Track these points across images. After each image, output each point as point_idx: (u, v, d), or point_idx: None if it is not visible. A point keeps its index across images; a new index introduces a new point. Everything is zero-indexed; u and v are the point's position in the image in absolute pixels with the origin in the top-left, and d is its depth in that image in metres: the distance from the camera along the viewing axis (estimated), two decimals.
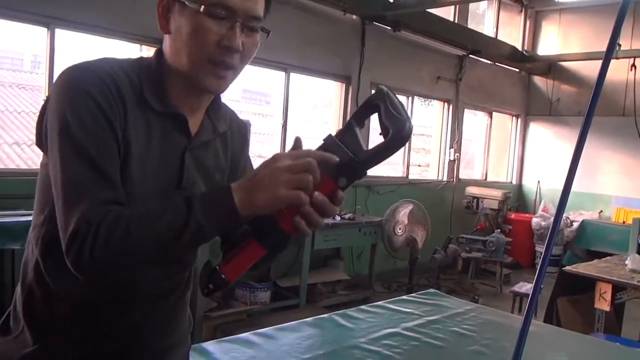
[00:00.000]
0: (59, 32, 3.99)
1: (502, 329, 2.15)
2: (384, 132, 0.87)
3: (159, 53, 1.05)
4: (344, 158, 0.86)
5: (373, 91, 0.91)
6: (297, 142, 0.93)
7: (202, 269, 0.93)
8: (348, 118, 0.91)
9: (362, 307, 2.36)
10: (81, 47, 4.56)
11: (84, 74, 0.94)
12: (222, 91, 1.04)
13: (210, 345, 1.79)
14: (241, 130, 1.22)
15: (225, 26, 0.96)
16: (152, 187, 0.99)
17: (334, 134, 0.89)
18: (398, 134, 0.86)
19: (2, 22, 3.98)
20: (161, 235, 0.86)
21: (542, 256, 1.04)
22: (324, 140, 0.89)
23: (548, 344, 2.09)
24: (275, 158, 0.86)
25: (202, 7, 0.94)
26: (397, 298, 2.52)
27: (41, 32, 3.95)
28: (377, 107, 0.88)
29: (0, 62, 8.27)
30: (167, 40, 1.02)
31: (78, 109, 0.91)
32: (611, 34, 1.03)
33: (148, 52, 4.53)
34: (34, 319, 1.02)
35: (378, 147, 0.87)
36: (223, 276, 0.90)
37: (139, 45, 4.50)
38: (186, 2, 0.96)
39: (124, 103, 0.95)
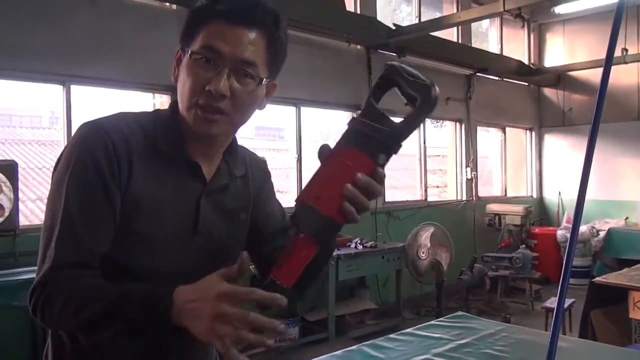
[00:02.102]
0: (74, 88, 4.13)
1: (534, 347, 2.10)
2: (411, 101, 0.85)
3: (175, 104, 1.09)
4: (378, 135, 0.84)
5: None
6: (243, 264, 0.87)
7: (252, 286, 0.86)
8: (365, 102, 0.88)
9: (391, 335, 2.33)
10: (96, 100, 4.69)
11: (92, 134, 1.00)
12: (213, 134, 1.04)
13: None
14: (260, 167, 1.26)
15: (213, 69, 0.99)
16: (167, 234, 1.03)
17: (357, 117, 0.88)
18: (427, 99, 0.84)
19: (20, 84, 4.14)
20: (87, 322, 0.91)
21: (562, 270, 1.04)
22: (348, 125, 0.87)
23: None
24: (216, 292, 0.82)
25: (194, 55, 0.99)
26: (426, 324, 2.49)
27: (57, 89, 4.09)
28: (394, 82, 0.86)
29: (20, 120, 8.53)
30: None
31: (77, 171, 0.98)
32: (609, 42, 1.04)
33: (161, 99, 4.64)
34: None
35: (409, 117, 0.85)
36: (278, 282, 0.84)
37: (151, 93, 4.62)
38: (185, 54, 1.01)
39: (131, 158, 1.00)
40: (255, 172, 1.23)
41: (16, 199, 3.61)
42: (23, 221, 3.97)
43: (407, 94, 0.85)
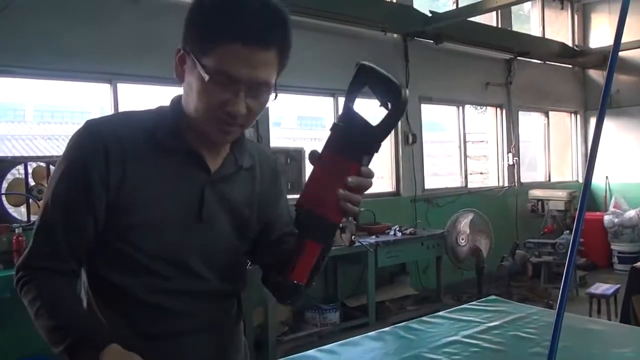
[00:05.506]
0: (121, 86, 4.34)
1: (564, 330, 2.13)
2: (383, 103, 0.96)
3: (177, 99, 1.14)
4: (361, 140, 0.96)
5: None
6: None
7: (273, 287, 1.12)
8: (345, 104, 0.99)
9: (424, 318, 2.41)
10: (141, 96, 4.90)
11: (87, 139, 1.07)
12: (228, 142, 1.13)
13: None
14: (271, 165, 1.28)
15: (230, 91, 1.01)
16: (171, 221, 1.09)
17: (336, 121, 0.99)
18: (397, 104, 0.95)
19: (71, 83, 4.39)
20: (40, 330, 1.04)
21: (569, 251, 1.09)
22: (331, 130, 0.97)
23: (613, 342, 2.06)
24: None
25: (208, 76, 0.99)
26: (458, 307, 2.55)
27: (105, 87, 4.31)
28: (365, 82, 0.96)
29: (72, 118, 8.92)
30: (182, 89, 1.11)
31: (67, 175, 1.06)
32: (617, 26, 1.07)
33: None
34: None
35: (385, 121, 0.96)
36: (295, 281, 0.98)
37: None
38: (196, 65, 1.01)
39: (124, 158, 1.06)
40: (265, 169, 1.25)
41: None
42: None
43: (379, 96, 0.96)
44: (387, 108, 0.96)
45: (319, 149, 0.97)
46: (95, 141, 1.05)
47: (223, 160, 1.16)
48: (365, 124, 0.96)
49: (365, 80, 0.96)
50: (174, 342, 1.12)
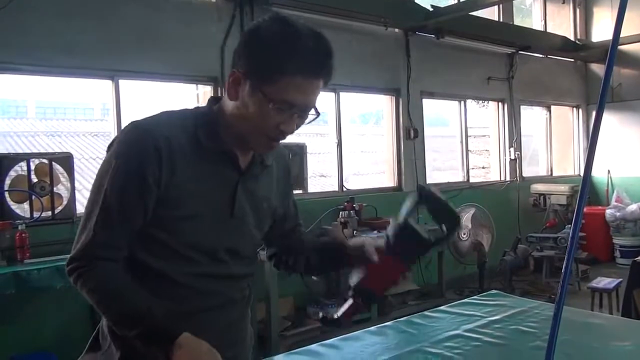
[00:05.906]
0: (122, 82, 4.34)
1: (564, 324, 2.13)
2: (438, 222, 1.29)
3: (214, 101, 1.24)
4: (418, 252, 1.31)
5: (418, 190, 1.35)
6: None
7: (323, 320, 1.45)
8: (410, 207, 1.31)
9: (426, 312, 2.41)
10: (143, 92, 4.91)
11: (139, 139, 1.14)
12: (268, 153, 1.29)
13: (279, 358, 1.92)
14: (285, 163, 1.41)
15: (285, 114, 1.14)
16: (209, 215, 1.21)
17: (395, 222, 1.31)
18: (454, 230, 1.32)
19: (72, 80, 4.40)
20: (107, 317, 1.16)
21: (568, 242, 1.10)
22: (395, 238, 1.28)
23: (614, 335, 2.06)
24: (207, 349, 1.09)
25: (272, 104, 1.11)
26: (459, 301, 2.56)
27: (107, 84, 4.31)
28: (425, 203, 1.28)
29: (74, 114, 8.93)
30: (230, 103, 1.18)
31: (121, 171, 1.13)
32: (616, 19, 1.07)
33: (204, 89, 4.80)
34: (116, 335, 1.19)
35: (440, 241, 1.33)
36: (339, 320, 1.36)
37: (194, 84, 4.79)
38: (256, 91, 1.12)
39: (173, 157, 1.15)
40: (280, 165, 1.38)
41: (73, 189, 3.86)
42: (80, 209, 4.22)
43: (436, 217, 1.30)
44: (441, 229, 1.28)
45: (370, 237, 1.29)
46: (148, 142, 1.13)
47: (251, 159, 1.27)
48: (423, 239, 1.28)
49: (427, 205, 1.27)
50: (198, 317, 1.22)
